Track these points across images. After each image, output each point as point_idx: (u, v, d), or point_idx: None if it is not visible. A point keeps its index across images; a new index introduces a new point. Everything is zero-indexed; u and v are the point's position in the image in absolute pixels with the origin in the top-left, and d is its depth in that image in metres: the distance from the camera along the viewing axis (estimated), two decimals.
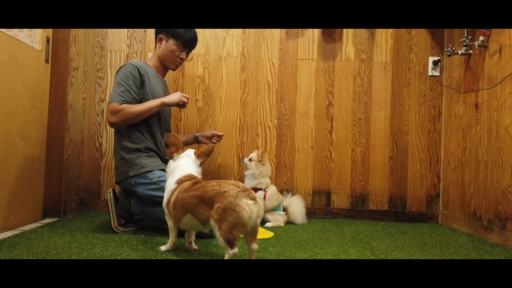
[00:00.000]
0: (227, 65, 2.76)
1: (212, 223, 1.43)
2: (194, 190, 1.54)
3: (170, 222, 1.68)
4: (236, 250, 1.38)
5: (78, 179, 2.61)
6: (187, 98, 2.13)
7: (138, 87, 2.06)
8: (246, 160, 2.47)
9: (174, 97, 2.09)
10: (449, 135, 2.70)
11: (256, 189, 2.39)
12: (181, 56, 2.24)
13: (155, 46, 2.25)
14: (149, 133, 2.12)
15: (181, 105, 2.13)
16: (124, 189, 2.09)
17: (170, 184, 1.67)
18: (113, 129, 2.69)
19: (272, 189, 2.47)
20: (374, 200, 2.78)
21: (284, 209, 2.50)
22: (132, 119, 2.03)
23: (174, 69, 2.31)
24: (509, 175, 2.02)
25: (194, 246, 1.73)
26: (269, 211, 2.43)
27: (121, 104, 1.99)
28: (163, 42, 2.21)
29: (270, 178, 2.51)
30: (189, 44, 2.25)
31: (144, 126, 2.10)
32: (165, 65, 2.26)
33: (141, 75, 2.07)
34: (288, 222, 2.51)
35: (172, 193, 1.63)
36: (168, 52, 2.21)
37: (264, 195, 2.39)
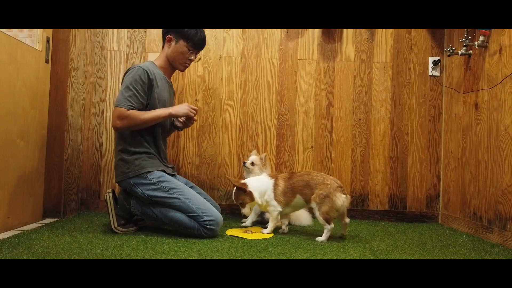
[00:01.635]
0: (227, 65, 2.76)
1: (313, 204, 2.00)
2: (299, 177, 2.08)
3: (275, 213, 2.10)
4: (332, 225, 1.98)
5: (78, 179, 2.61)
6: (196, 111, 2.12)
7: (146, 92, 2.05)
8: (248, 164, 2.40)
9: (181, 109, 2.08)
10: (449, 135, 2.70)
11: None
12: (190, 58, 2.23)
13: (163, 46, 2.23)
14: (153, 141, 2.12)
15: (186, 120, 2.15)
16: (124, 189, 2.09)
17: (267, 182, 2.10)
18: (114, 130, 2.71)
19: None
20: (374, 200, 2.78)
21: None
22: (137, 126, 2.03)
23: (182, 70, 2.30)
24: (509, 175, 2.02)
25: (287, 229, 2.20)
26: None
27: (128, 109, 1.98)
28: (173, 43, 2.18)
29: None
30: (200, 45, 2.23)
31: (148, 134, 2.10)
32: (173, 65, 2.24)
33: (150, 80, 2.05)
34: (290, 224, 2.51)
35: (275, 187, 2.08)
36: (178, 53, 2.18)
37: None
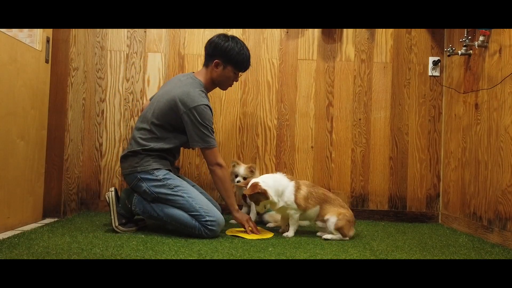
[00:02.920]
0: None
1: (333, 218, 2.04)
2: (320, 189, 2.14)
3: (297, 216, 2.09)
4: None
5: (78, 179, 2.61)
6: (255, 227, 2.16)
7: None
8: (240, 179, 2.34)
9: (242, 218, 2.16)
10: (449, 135, 2.70)
11: None
12: (236, 79, 2.27)
13: (208, 66, 2.19)
14: (171, 150, 2.15)
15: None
16: (129, 183, 2.10)
17: (286, 183, 2.06)
18: (114, 129, 2.72)
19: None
20: (374, 200, 2.78)
21: None
22: (217, 181, 2.13)
23: (225, 90, 2.34)
24: (509, 175, 2.02)
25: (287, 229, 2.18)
26: (267, 212, 2.42)
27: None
28: (220, 68, 2.17)
29: None
30: (246, 68, 2.26)
31: (171, 145, 2.13)
32: (218, 87, 2.27)
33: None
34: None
35: (296, 189, 2.06)
36: (226, 78, 2.21)
37: None
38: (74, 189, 2.53)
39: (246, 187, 2.06)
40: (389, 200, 2.78)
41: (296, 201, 2.05)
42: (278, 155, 2.77)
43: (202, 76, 2.21)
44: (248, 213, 2.43)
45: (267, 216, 2.42)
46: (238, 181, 2.35)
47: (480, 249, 1.95)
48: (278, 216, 2.44)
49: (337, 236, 2.04)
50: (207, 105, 2.08)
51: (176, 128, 2.11)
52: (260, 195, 2.02)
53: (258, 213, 2.42)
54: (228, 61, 2.16)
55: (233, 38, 2.19)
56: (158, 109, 2.10)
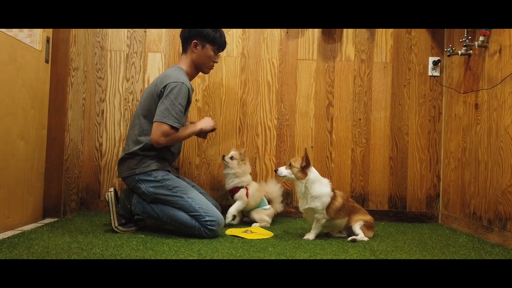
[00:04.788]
0: (227, 65, 2.76)
1: (356, 222, 2.10)
2: (351, 202, 2.18)
3: (323, 221, 2.06)
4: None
5: (78, 179, 2.61)
6: (216, 124, 2.25)
7: (186, 110, 2.12)
8: (227, 158, 2.37)
9: (208, 124, 2.20)
10: (449, 135, 2.70)
11: (238, 188, 2.36)
12: (215, 60, 2.26)
13: (187, 51, 2.21)
14: (168, 147, 2.14)
15: (211, 131, 2.25)
16: (128, 185, 2.10)
17: (328, 192, 2.04)
18: (114, 129, 2.72)
19: (254, 186, 2.43)
20: (374, 200, 2.78)
21: (269, 202, 2.49)
22: (175, 143, 2.14)
23: (207, 73, 2.33)
24: (509, 175, 2.02)
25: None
26: (254, 209, 2.41)
27: (172, 127, 2.00)
28: (199, 48, 2.18)
29: (250, 174, 2.46)
30: (224, 46, 2.28)
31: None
32: (199, 70, 2.26)
33: (189, 98, 2.11)
34: (277, 215, 2.52)
35: (332, 199, 2.04)
36: (206, 57, 2.21)
37: (247, 193, 2.37)
38: (74, 189, 2.53)
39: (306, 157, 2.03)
40: (389, 200, 2.78)
41: (326, 209, 2.04)
42: (278, 155, 2.77)
43: (183, 63, 2.23)
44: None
45: (254, 215, 2.41)
46: (223, 157, 2.38)
47: (480, 249, 1.95)
48: (263, 215, 2.42)
49: (362, 235, 2.07)
50: (183, 83, 2.04)
51: None
52: (301, 171, 2.02)
53: (243, 214, 2.45)
54: (205, 39, 2.18)
55: None
56: (143, 100, 2.14)
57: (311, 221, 2.10)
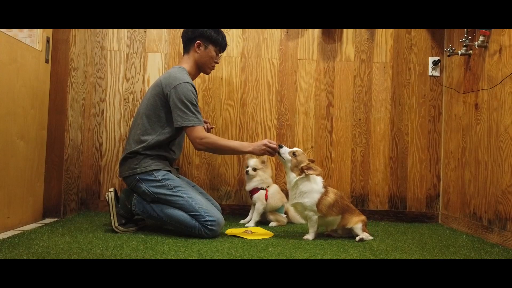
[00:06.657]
0: (227, 65, 2.76)
1: (356, 223, 2.07)
2: (345, 200, 2.15)
3: (315, 218, 2.03)
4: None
5: (78, 179, 2.61)
6: (275, 146, 2.03)
7: None
8: (251, 171, 2.37)
9: (259, 147, 2.04)
10: (449, 135, 2.70)
11: (257, 189, 2.38)
12: (217, 61, 2.29)
13: (189, 51, 2.22)
14: (169, 147, 2.16)
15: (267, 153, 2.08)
16: (128, 184, 2.10)
17: (317, 189, 2.01)
18: (114, 129, 2.72)
19: (274, 188, 2.45)
20: (374, 200, 2.78)
21: (286, 212, 2.49)
22: (214, 151, 2.13)
23: (208, 73, 2.35)
24: (509, 175, 2.02)
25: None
26: (271, 211, 2.43)
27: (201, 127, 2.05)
28: (202, 48, 2.21)
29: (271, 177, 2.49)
30: (225, 48, 2.31)
31: (169, 141, 2.14)
32: (201, 70, 2.28)
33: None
34: (289, 222, 2.52)
35: (322, 195, 2.02)
36: (208, 58, 2.23)
37: (266, 194, 2.38)
38: (74, 189, 2.53)
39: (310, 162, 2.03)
40: (389, 200, 2.78)
41: (317, 205, 2.01)
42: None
43: (185, 63, 2.24)
44: (252, 212, 2.43)
45: (270, 216, 2.43)
46: (247, 171, 2.38)
47: (480, 249, 1.95)
48: (279, 217, 2.44)
49: (367, 234, 2.09)
50: (188, 83, 2.07)
51: (166, 114, 2.10)
52: (305, 169, 1.99)
53: (261, 213, 2.44)
54: (208, 40, 2.21)
55: None
56: (146, 99, 2.15)
57: (300, 218, 2.12)
